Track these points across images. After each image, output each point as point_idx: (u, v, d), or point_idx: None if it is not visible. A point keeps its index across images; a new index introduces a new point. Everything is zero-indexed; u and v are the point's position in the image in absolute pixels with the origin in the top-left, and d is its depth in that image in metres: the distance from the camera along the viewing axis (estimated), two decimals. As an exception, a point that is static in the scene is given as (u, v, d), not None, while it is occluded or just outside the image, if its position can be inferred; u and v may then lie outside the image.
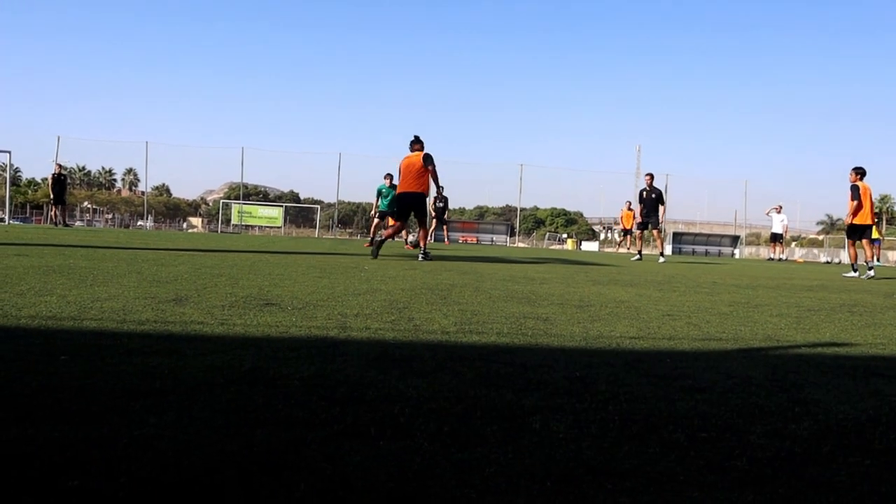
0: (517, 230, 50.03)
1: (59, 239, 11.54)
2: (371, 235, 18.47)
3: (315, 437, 1.53)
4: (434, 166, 10.95)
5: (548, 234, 76.34)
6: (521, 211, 47.43)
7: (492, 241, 43.23)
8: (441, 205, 26.29)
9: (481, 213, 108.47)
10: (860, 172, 12.64)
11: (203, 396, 1.79)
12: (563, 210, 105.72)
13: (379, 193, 17.67)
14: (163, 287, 4.24)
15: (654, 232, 17.21)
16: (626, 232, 29.37)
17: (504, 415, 1.77)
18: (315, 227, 49.15)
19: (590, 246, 54.15)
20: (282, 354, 2.35)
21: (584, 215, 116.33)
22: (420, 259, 10.33)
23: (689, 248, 42.14)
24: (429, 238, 11.59)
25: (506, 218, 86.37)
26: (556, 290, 5.61)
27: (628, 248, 29.81)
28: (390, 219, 15.61)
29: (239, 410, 1.69)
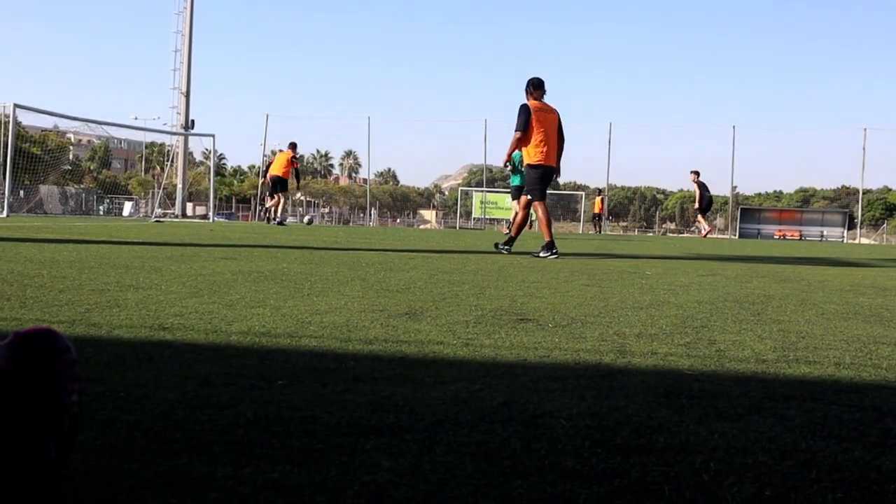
0: (858, 220, 47.24)
1: (269, 239, 12.58)
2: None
3: (590, 493, 1.53)
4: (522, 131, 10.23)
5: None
6: (863, 194, 44.61)
7: (822, 235, 41.18)
8: (709, 194, 27.10)
9: (805, 197, 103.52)
10: None
11: (446, 436, 1.86)
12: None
13: (514, 167, 16.98)
14: (393, 298, 4.46)
15: None
16: None
17: (851, 478, 1.67)
18: (579, 220, 49.45)
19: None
20: (543, 385, 2.39)
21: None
22: (542, 255, 9.74)
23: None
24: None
25: (841, 204, 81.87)
26: None
27: None
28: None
29: (491, 456, 1.73)
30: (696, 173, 26.10)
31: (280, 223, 24.69)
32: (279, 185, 24.54)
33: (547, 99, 10.52)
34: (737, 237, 43.96)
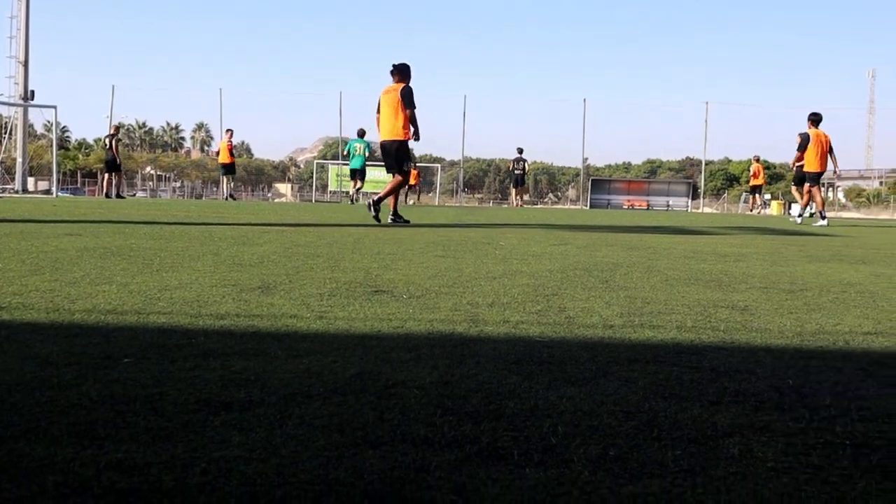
0: (701, 190, 49.09)
1: (117, 214, 12.19)
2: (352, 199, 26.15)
3: (441, 461, 1.54)
4: (413, 109, 11.42)
5: (744, 194, 74.47)
6: (706, 165, 46.41)
7: (667, 205, 42.61)
8: (519, 170, 31.73)
9: (652, 168, 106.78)
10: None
11: (298, 409, 1.84)
12: (766, 162, 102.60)
13: (349, 153, 22.42)
14: (246, 272, 4.40)
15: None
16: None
17: (690, 436, 1.73)
18: (435, 193, 49.75)
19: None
20: (396, 356, 2.39)
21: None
22: (391, 221, 11.16)
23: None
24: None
25: (686, 175, 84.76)
26: (756, 269, 5.51)
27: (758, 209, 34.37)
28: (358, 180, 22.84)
29: (344, 427, 1.73)
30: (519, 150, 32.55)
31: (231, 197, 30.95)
32: (227, 168, 30.87)
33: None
34: (588, 207, 45.02)
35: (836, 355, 2.61)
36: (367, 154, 26.84)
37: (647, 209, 42.59)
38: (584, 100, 44.57)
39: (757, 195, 33.94)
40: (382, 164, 11.96)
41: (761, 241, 9.57)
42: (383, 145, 11.71)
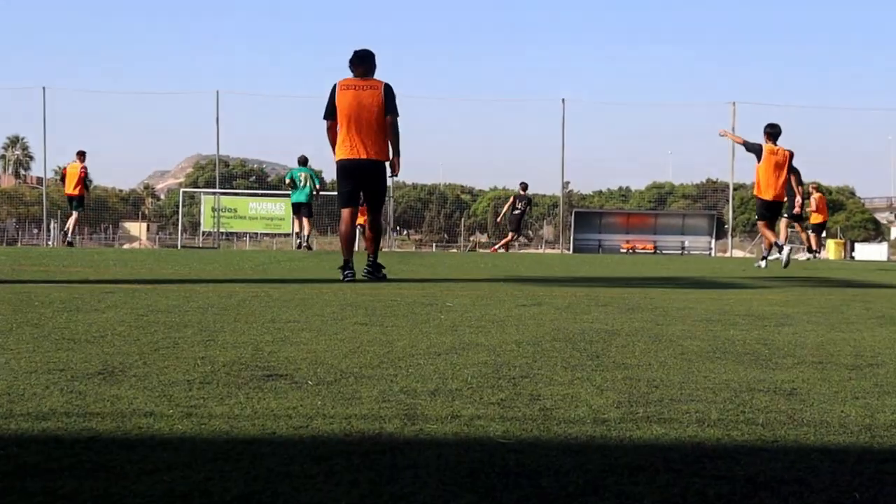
0: (729, 226, 49.48)
1: None
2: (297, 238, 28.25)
3: None
4: (398, 116, 11.42)
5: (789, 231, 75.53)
6: (734, 191, 46.70)
7: (682, 247, 42.79)
8: (519, 210, 33.72)
9: (660, 196, 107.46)
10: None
11: (156, 549, 1.81)
12: (819, 184, 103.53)
13: (292, 182, 24.44)
14: (80, 351, 4.34)
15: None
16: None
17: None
18: (421, 226, 49.54)
19: (871, 251, 52.93)
20: (299, 469, 2.37)
21: (858, 194, 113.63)
22: (366, 275, 11.19)
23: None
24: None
25: (707, 204, 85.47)
26: (807, 336, 5.53)
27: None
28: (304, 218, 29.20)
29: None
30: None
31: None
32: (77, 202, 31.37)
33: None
34: (571, 251, 45.16)
35: (921, 457, 2.62)
36: (316, 186, 28.19)
37: (654, 253, 42.86)
38: (563, 100, 44.78)
39: (818, 234, 34.51)
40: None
41: (813, 295, 9.66)
42: (362, 166, 11.33)
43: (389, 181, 12.19)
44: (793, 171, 18.86)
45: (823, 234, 38.72)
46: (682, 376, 3.91)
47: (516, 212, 35.44)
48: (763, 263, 19.31)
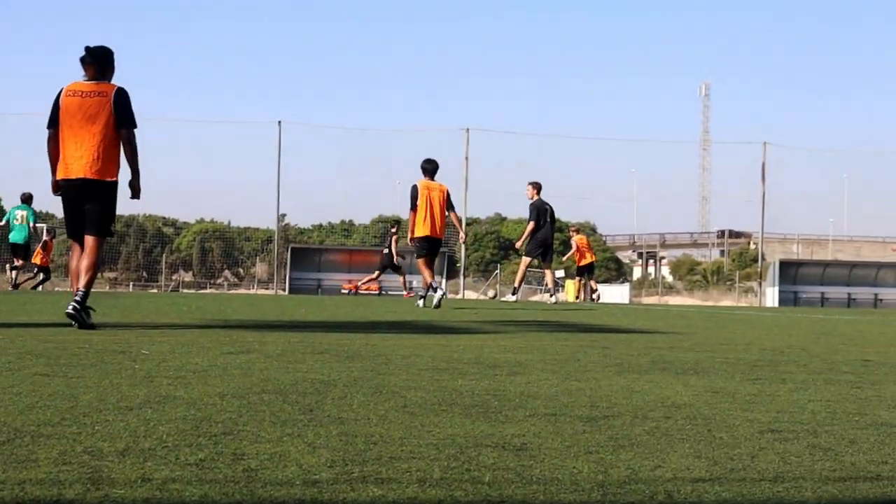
0: (461, 264, 50.37)
1: None
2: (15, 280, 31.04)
3: None
4: (133, 128, 10.96)
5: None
6: (465, 226, 46.95)
7: (410, 287, 42.83)
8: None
9: (387, 230, 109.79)
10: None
11: None
12: (579, 226, 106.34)
13: (7, 223, 26.31)
14: None
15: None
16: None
17: None
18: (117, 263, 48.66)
19: (613, 292, 54.50)
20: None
21: (599, 231, 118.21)
22: (70, 312, 10.20)
23: (811, 291, 44.98)
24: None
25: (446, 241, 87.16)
26: (542, 385, 5.59)
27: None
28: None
29: None
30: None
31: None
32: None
33: None
34: (286, 292, 45.15)
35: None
36: (32, 224, 29.54)
37: (380, 294, 43.18)
38: (280, 122, 44.65)
39: (588, 278, 35.82)
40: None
41: (549, 341, 9.86)
42: (78, 186, 10.49)
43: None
44: (451, 207, 19.62)
45: (560, 274, 40.09)
46: (404, 431, 3.83)
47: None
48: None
